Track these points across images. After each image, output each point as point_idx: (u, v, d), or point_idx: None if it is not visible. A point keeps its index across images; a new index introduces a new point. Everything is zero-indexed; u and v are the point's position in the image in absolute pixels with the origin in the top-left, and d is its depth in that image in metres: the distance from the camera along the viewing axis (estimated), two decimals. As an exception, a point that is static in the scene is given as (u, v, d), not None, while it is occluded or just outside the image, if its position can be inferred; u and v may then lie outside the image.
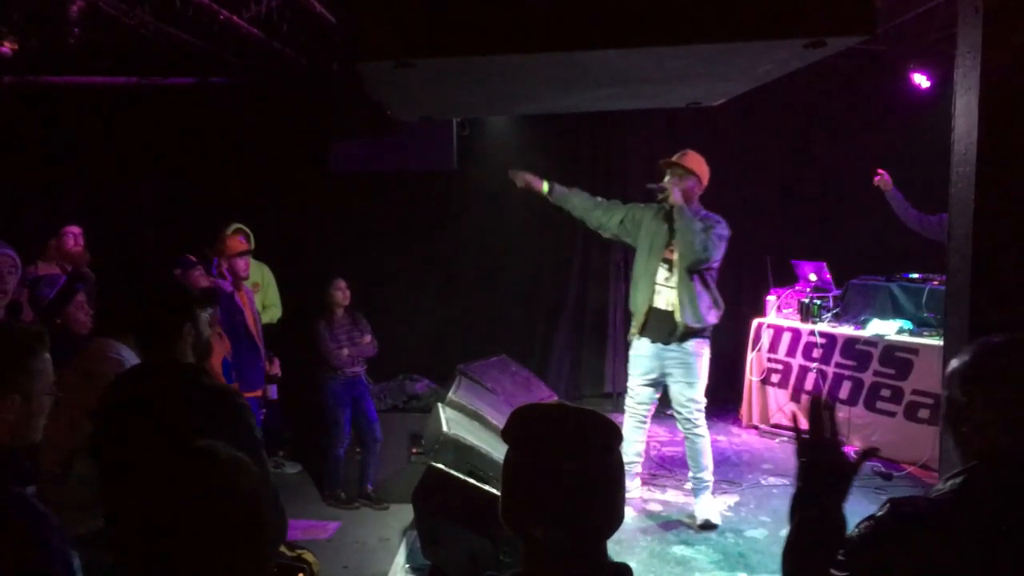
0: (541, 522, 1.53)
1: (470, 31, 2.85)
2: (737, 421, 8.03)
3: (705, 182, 5.58)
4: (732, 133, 8.45)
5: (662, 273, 5.55)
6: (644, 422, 5.83)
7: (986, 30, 3.13)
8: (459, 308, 8.44)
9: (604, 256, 8.58)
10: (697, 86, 3.91)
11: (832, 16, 2.76)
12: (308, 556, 4.26)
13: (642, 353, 5.67)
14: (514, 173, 5.81)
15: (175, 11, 5.17)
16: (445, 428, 4.75)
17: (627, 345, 5.87)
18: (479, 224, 8.45)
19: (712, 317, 5.52)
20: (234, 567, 1.35)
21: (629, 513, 5.48)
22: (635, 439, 5.82)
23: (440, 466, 4.40)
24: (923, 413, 6.43)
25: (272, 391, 6.00)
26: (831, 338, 7.30)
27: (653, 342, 5.59)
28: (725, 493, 6.08)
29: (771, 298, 7.93)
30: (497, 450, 4.73)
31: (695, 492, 5.64)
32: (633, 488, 5.85)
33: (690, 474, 5.71)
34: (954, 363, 1.83)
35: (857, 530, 1.79)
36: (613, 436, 1.60)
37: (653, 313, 5.57)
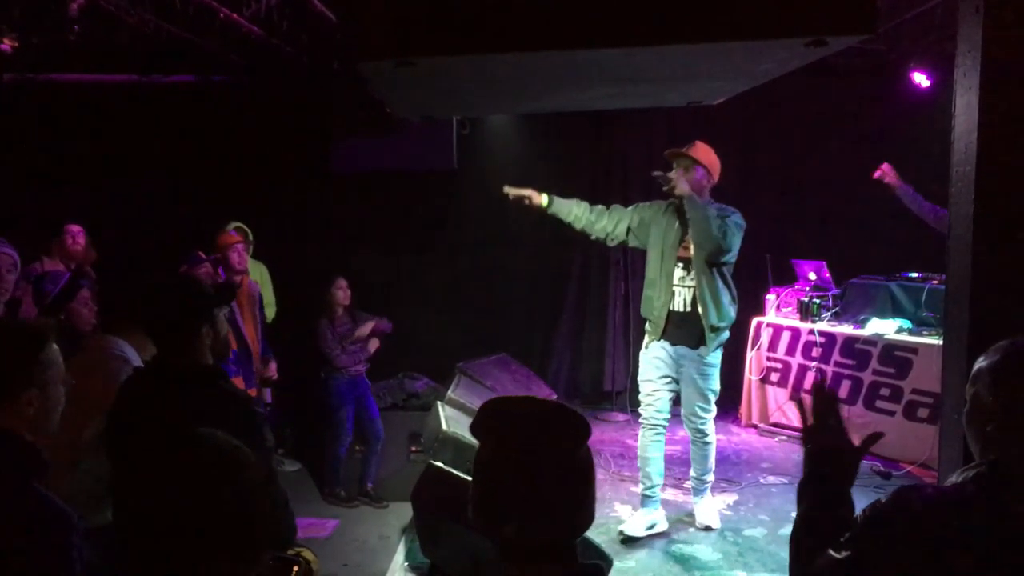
0: (510, 521, 1.49)
1: (471, 30, 2.85)
2: (736, 420, 8.04)
3: (715, 174, 5.23)
4: (732, 132, 8.44)
5: (678, 272, 5.22)
6: (661, 435, 5.39)
7: (986, 29, 3.14)
8: (459, 306, 8.44)
9: (604, 255, 8.58)
10: (697, 85, 3.91)
11: (833, 15, 2.76)
12: (307, 554, 4.26)
13: (658, 356, 5.30)
14: (509, 189, 5.33)
15: (175, 9, 5.18)
16: (444, 426, 4.76)
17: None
18: (479, 223, 8.45)
19: (734, 312, 5.30)
20: (230, 553, 1.35)
21: (627, 512, 5.49)
22: (654, 455, 5.37)
23: (439, 464, 4.40)
24: (922, 412, 6.43)
25: (267, 395, 5.99)
26: (830, 337, 7.31)
27: (673, 345, 5.25)
28: (724, 492, 6.08)
29: (771, 297, 7.94)
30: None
31: (695, 492, 5.53)
32: (659, 520, 5.36)
33: (692, 474, 5.53)
34: (983, 362, 1.82)
35: (862, 513, 1.79)
36: (583, 431, 1.54)
37: (672, 317, 5.23)
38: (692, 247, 5.12)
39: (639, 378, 5.44)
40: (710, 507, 5.51)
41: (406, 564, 5.02)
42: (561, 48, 2.92)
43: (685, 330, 5.21)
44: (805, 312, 7.56)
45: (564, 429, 1.54)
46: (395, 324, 6.71)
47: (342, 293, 6.17)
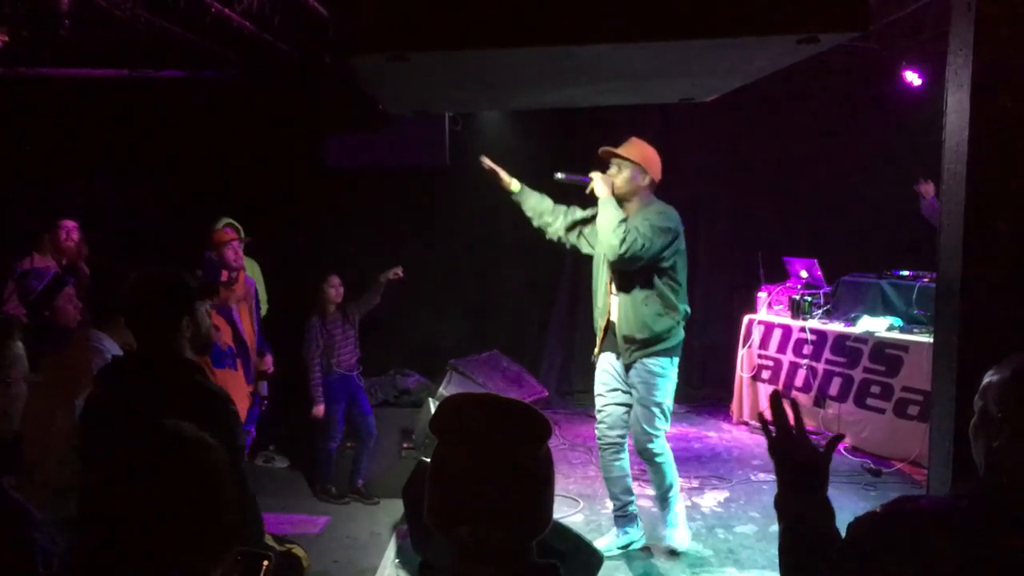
0: (464, 521, 1.46)
1: (463, 24, 2.85)
2: (727, 417, 8.06)
3: (653, 172, 4.76)
4: (724, 129, 8.46)
5: (616, 282, 4.84)
6: (620, 452, 4.94)
7: (978, 28, 3.14)
8: (451, 303, 8.43)
9: (596, 252, 8.58)
10: (690, 82, 3.91)
11: (825, 12, 2.76)
12: (298, 551, 4.27)
13: (605, 368, 4.95)
14: (486, 159, 5.19)
15: (167, 4, 5.15)
16: (436, 423, 4.74)
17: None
18: (471, 219, 8.44)
19: (662, 324, 4.72)
20: (193, 546, 1.34)
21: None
22: (616, 475, 4.97)
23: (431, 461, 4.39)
24: (912, 410, 6.45)
25: (263, 387, 5.98)
26: (821, 335, 7.32)
27: (617, 357, 4.87)
28: (715, 489, 6.10)
29: (762, 295, 7.96)
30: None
31: (661, 505, 5.06)
32: (637, 536, 5.05)
33: (655, 493, 5.10)
34: (992, 376, 1.80)
35: (854, 523, 1.79)
36: (543, 430, 1.51)
37: (610, 328, 4.87)
38: None
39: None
40: (680, 523, 5.03)
41: (397, 560, 5.02)
42: (554, 44, 2.92)
43: (612, 338, 4.88)
44: (796, 310, 7.58)
45: (522, 430, 1.50)
46: (386, 319, 6.69)
47: (334, 291, 6.15)
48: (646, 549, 5.06)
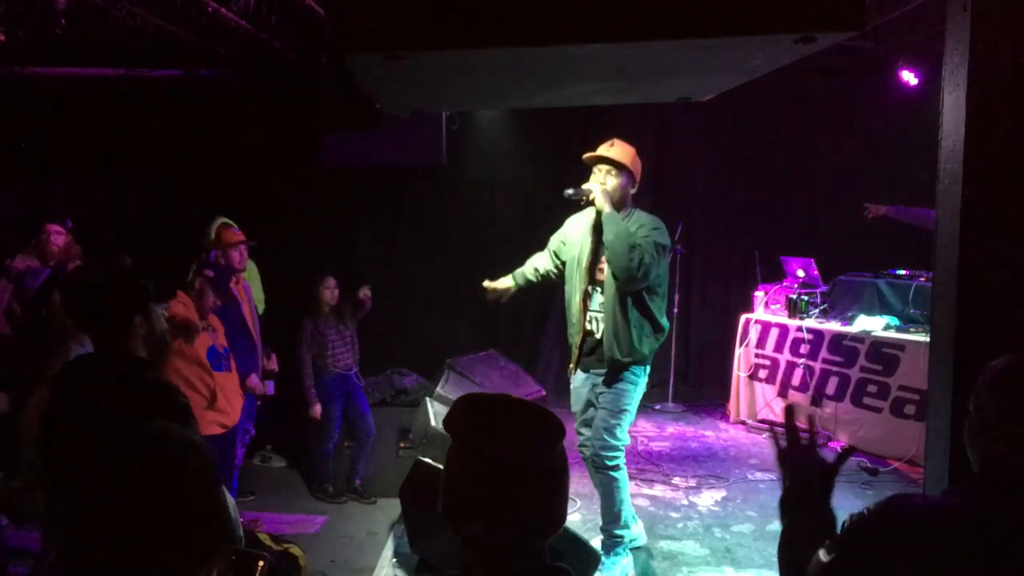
0: (477, 519, 1.47)
1: (460, 24, 2.84)
2: (724, 416, 8.07)
3: (638, 178, 4.65)
4: (721, 129, 8.47)
5: (596, 297, 4.65)
6: None
7: (974, 27, 3.15)
8: (448, 302, 8.43)
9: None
10: (687, 81, 3.91)
11: (821, 12, 2.76)
12: (295, 550, 4.28)
13: (577, 386, 4.82)
14: (489, 284, 5.08)
15: (164, 3, 5.15)
16: (433, 422, 4.75)
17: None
18: (468, 218, 8.44)
19: (647, 346, 4.60)
20: (188, 545, 1.34)
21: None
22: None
23: (428, 460, 4.40)
24: (909, 409, 6.46)
25: (269, 387, 5.98)
26: (818, 334, 7.33)
27: (587, 372, 4.76)
28: (713, 488, 6.10)
29: (759, 294, 7.96)
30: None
31: (604, 548, 4.62)
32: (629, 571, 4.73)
33: (601, 525, 4.71)
34: (988, 376, 1.80)
35: (848, 519, 1.79)
36: (556, 431, 1.52)
37: (587, 344, 4.72)
38: (607, 269, 4.54)
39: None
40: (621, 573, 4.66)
41: (394, 560, 5.01)
42: (550, 43, 2.92)
43: (597, 360, 4.68)
44: (793, 309, 7.58)
45: (536, 429, 1.52)
46: (383, 319, 6.68)
47: (329, 292, 6.14)
48: (643, 549, 5.06)
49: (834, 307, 7.55)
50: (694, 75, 3.74)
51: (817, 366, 7.27)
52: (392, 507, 5.52)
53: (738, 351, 7.93)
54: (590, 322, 4.67)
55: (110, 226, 7.36)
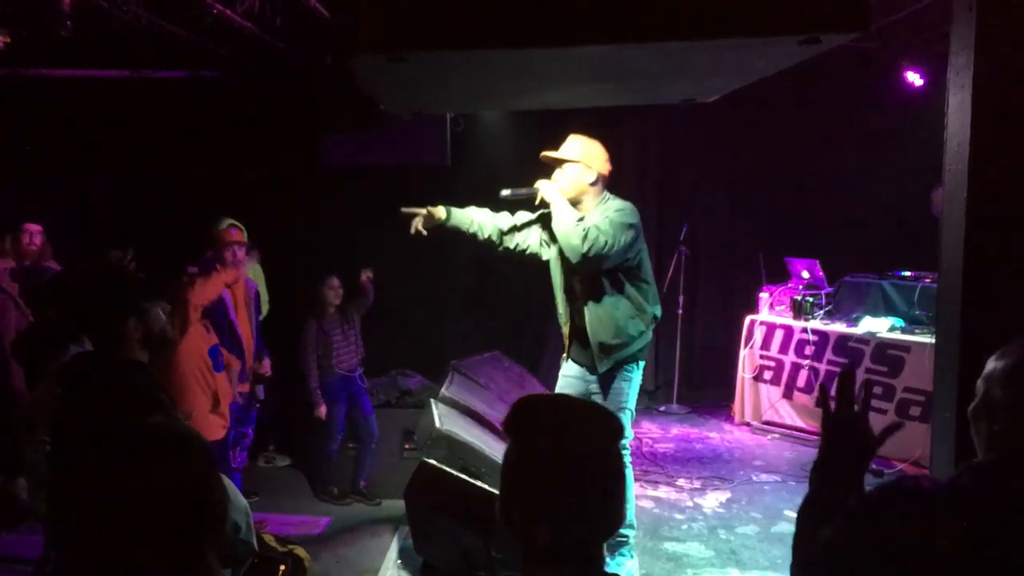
0: (544, 522, 1.45)
1: (464, 25, 2.84)
2: (729, 418, 8.06)
3: (597, 167, 4.50)
4: (725, 130, 8.45)
5: (578, 287, 4.61)
6: None
7: (979, 28, 3.14)
8: (452, 304, 8.43)
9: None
10: (691, 82, 3.90)
11: (826, 13, 2.76)
12: (299, 551, 4.26)
13: (568, 374, 4.77)
14: (406, 210, 4.77)
15: (168, 5, 5.15)
16: (438, 424, 4.75)
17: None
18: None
19: (635, 327, 4.52)
20: (186, 537, 1.34)
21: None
22: None
23: (433, 462, 4.40)
24: (914, 410, 6.45)
25: (260, 391, 5.97)
26: (823, 335, 7.32)
27: (580, 365, 4.71)
28: (717, 490, 6.09)
29: (764, 295, 7.95)
30: (490, 446, 4.73)
31: (609, 550, 4.50)
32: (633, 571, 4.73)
33: None
34: (997, 360, 1.81)
35: (859, 498, 1.79)
36: (616, 429, 1.53)
37: (575, 334, 4.69)
38: None
39: None
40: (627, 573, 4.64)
41: (399, 561, 5.01)
42: (555, 44, 2.91)
43: (583, 348, 4.64)
44: (798, 310, 7.57)
45: (599, 427, 1.51)
46: (388, 320, 6.66)
47: (333, 292, 6.15)
48: (647, 550, 5.05)
49: (839, 308, 7.54)
50: (698, 76, 3.73)
51: (822, 368, 7.25)
52: (397, 509, 5.51)
53: (743, 352, 7.92)
54: (576, 313, 4.63)
55: (112, 228, 7.36)
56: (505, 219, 4.78)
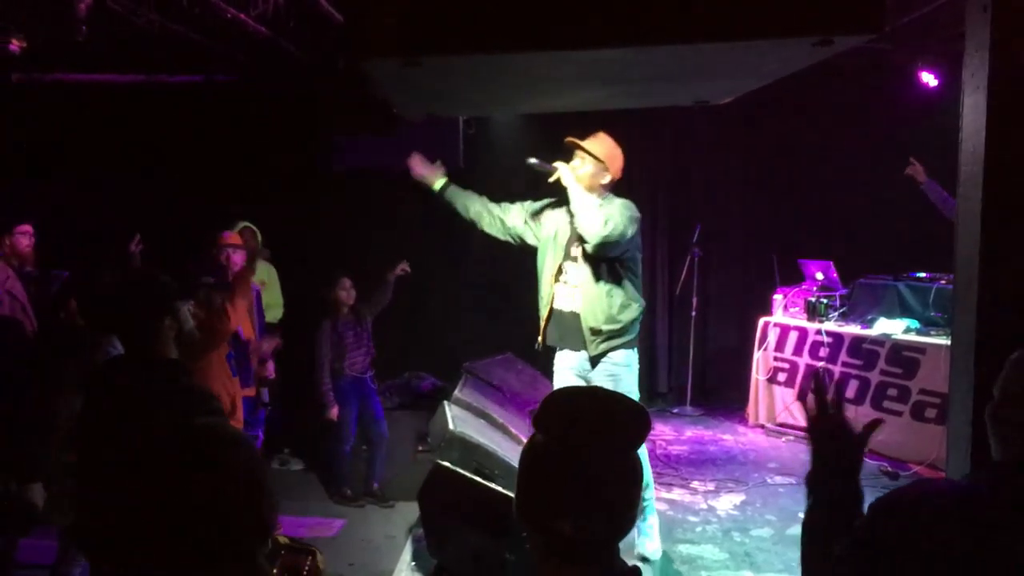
0: (566, 516, 1.43)
1: (478, 29, 2.85)
2: (743, 420, 8.04)
3: (613, 171, 4.77)
4: (738, 132, 8.44)
5: (570, 270, 4.80)
6: None
7: (994, 28, 3.13)
8: (465, 306, 8.44)
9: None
10: (704, 85, 3.90)
11: (840, 14, 2.75)
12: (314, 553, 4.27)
13: (565, 365, 4.94)
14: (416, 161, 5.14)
15: (182, 9, 5.18)
16: (451, 426, 4.75)
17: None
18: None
19: (628, 315, 4.74)
20: (236, 541, 1.34)
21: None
22: None
23: (446, 464, 4.40)
24: (930, 412, 6.42)
25: (264, 394, 5.99)
26: (838, 337, 7.29)
27: (574, 350, 4.86)
28: (731, 492, 6.07)
29: (778, 297, 7.93)
30: (503, 448, 4.73)
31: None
32: None
33: None
34: (1017, 359, 1.81)
35: (877, 500, 1.78)
36: (645, 426, 1.52)
37: (555, 316, 4.89)
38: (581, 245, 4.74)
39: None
40: (649, 533, 4.98)
41: (413, 563, 5.02)
42: (570, 48, 2.92)
43: (566, 330, 4.84)
44: (812, 312, 7.55)
45: (629, 423, 1.51)
46: (400, 322, 6.65)
47: (345, 293, 6.17)
48: (671, 535, 5.09)
49: (853, 310, 7.51)
50: (711, 78, 3.73)
51: (837, 369, 7.23)
52: (410, 511, 5.52)
53: (756, 354, 7.90)
54: (560, 298, 4.83)
55: (126, 230, 7.40)
56: (492, 204, 5.07)
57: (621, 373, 4.77)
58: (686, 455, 7.05)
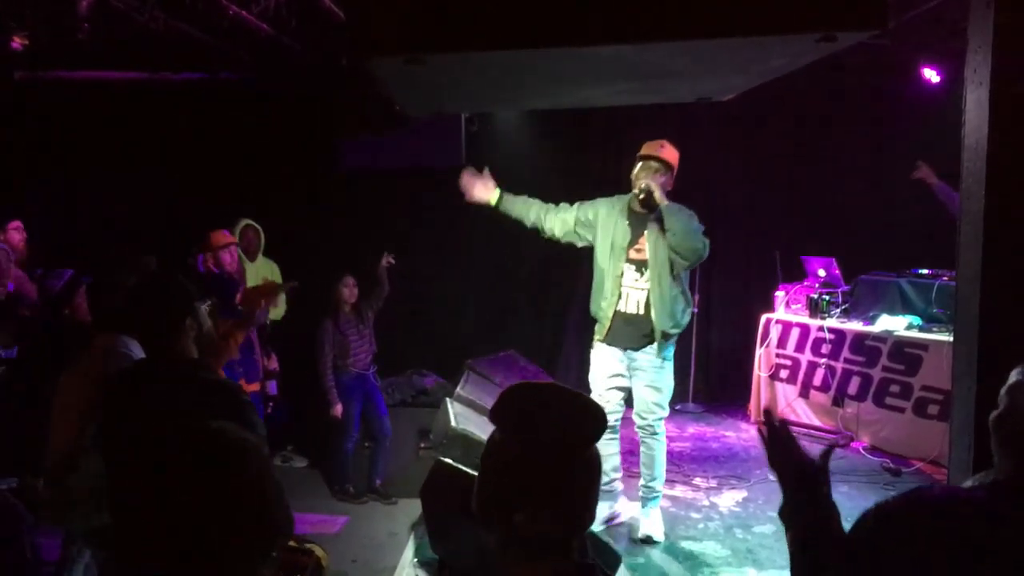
0: (520, 509, 1.44)
1: (481, 26, 2.85)
2: (745, 417, 8.04)
3: (672, 179, 5.13)
4: (741, 128, 8.43)
5: (630, 274, 5.09)
6: (614, 434, 5.29)
7: (997, 23, 3.12)
8: (468, 303, 8.44)
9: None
10: (708, 81, 3.90)
11: (844, 10, 2.75)
12: (317, 550, 4.28)
13: (606, 356, 5.23)
14: (469, 180, 5.47)
15: (185, 7, 5.18)
16: (454, 423, 4.76)
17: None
18: (487, 219, 8.38)
19: (686, 318, 5.20)
20: (244, 547, 1.34)
21: (637, 508, 5.47)
22: (608, 452, 5.20)
23: (448, 461, 4.40)
24: (932, 409, 6.42)
25: (271, 387, 6.01)
26: (840, 334, 7.29)
27: (623, 349, 5.18)
28: (734, 489, 6.08)
29: (780, 294, 7.93)
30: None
31: (643, 502, 5.28)
32: (622, 509, 5.44)
33: (641, 482, 5.30)
34: (1021, 374, 1.81)
35: (871, 510, 1.79)
36: (602, 423, 1.53)
37: (619, 317, 5.14)
38: (648, 251, 5.02)
39: (589, 378, 5.32)
40: (656, 518, 5.27)
41: (415, 560, 5.03)
42: (572, 45, 2.92)
43: (631, 332, 5.11)
44: (815, 309, 7.55)
45: (585, 418, 1.52)
46: (403, 320, 6.65)
47: (348, 291, 6.18)
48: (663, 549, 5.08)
49: (856, 307, 7.50)
50: (714, 75, 3.73)
51: (839, 366, 7.23)
52: (413, 507, 5.53)
53: (759, 351, 7.90)
54: (624, 299, 5.11)
55: (133, 227, 7.41)
56: (546, 209, 5.33)
57: (665, 365, 5.16)
58: (688, 452, 7.05)
